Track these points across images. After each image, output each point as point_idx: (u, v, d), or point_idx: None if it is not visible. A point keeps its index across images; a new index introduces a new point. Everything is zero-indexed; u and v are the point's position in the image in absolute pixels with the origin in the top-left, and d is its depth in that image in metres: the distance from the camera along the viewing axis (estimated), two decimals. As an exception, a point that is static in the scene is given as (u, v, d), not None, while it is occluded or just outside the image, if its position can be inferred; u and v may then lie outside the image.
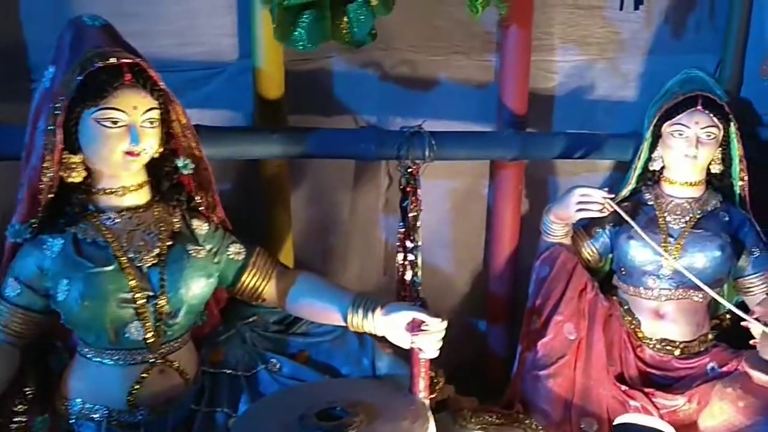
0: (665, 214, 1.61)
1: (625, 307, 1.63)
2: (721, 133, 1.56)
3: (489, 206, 1.81)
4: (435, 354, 1.23)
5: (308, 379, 1.37)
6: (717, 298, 1.30)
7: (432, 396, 1.29)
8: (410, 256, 1.59)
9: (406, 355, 1.24)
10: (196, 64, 1.48)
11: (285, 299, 1.33)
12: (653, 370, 1.56)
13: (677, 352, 1.56)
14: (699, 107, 1.53)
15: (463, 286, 1.89)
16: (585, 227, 1.71)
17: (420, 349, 1.21)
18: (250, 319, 1.40)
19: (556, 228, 1.63)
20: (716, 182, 1.64)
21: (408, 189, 1.56)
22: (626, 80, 1.82)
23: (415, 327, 1.21)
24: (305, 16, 1.31)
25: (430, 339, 1.20)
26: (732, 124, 1.56)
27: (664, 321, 1.57)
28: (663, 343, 1.57)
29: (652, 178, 1.68)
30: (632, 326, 1.60)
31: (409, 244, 1.58)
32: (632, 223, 1.46)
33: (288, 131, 1.43)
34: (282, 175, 1.53)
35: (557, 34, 1.74)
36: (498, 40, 1.68)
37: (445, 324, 1.22)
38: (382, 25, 1.57)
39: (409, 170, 1.55)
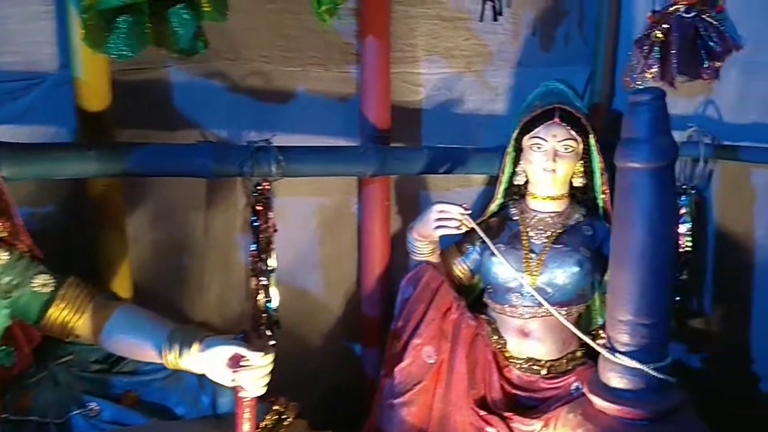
0: (528, 230, 1.57)
1: (493, 326, 1.57)
2: (581, 146, 1.53)
3: (359, 224, 1.73)
4: (259, 392, 1.12)
5: (133, 423, 1.24)
6: (560, 318, 1.24)
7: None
8: (263, 280, 1.49)
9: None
10: (12, 75, 1.33)
11: (100, 335, 1.19)
12: (519, 392, 1.50)
13: (544, 372, 1.51)
14: (556, 120, 1.50)
15: (337, 308, 1.80)
16: (457, 244, 1.66)
17: (241, 387, 1.10)
18: (66, 359, 1.26)
19: (421, 246, 1.56)
20: (580, 196, 1.61)
21: (258, 208, 1.45)
22: (496, 93, 1.78)
23: (235, 363, 1.10)
24: (121, 21, 1.19)
25: (252, 375, 1.09)
26: (591, 136, 1.54)
27: (530, 339, 1.52)
28: (529, 363, 1.52)
29: (518, 193, 1.64)
30: (499, 346, 1.55)
31: (262, 266, 1.48)
32: (486, 239, 1.41)
33: (107, 147, 1.30)
34: (112, 195, 1.39)
35: (421, 46, 1.68)
36: (357, 51, 1.60)
37: (269, 358, 1.11)
38: (228, 33, 1.48)
39: (259, 188, 1.45)
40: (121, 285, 1.45)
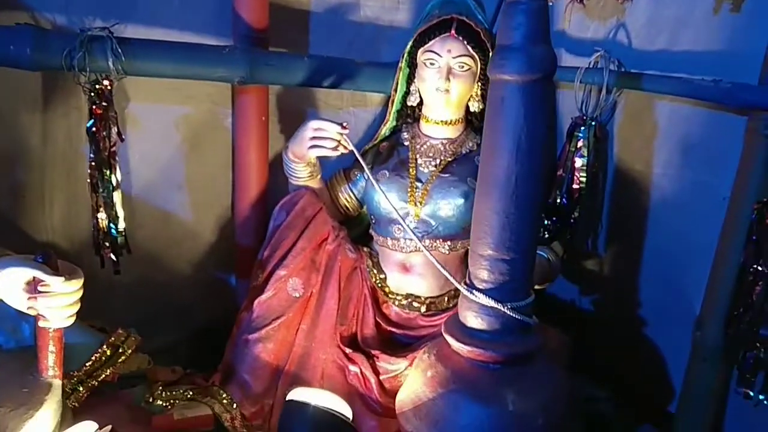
0: (417, 156, 1.42)
1: (375, 260, 1.44)
2: (479, 64, 1.37)
3: (232, 140, 1.53)
4: (63, 322, 0.95)
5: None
6: (430, 257, 1.11)
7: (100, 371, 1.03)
8: (104, 196, 1.28)
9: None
10: None
11: None
12: (395, 330, 1.39)
13: (423, 309, 1.40)
14: (452, 33, 1.33)
15: (209, 235, 1.61)
16: (345, 169, 1.50)
17: (42, 316, 0.93)
18: None
19: (297, 168, 1.39)
20: (476, 122, 1.47)
21: (96, 111, 1.23)
22: (398, 2, 1.58)
23: (33, 288, 0.92)
24: None
25: (51, 303, 0.91)
26: (491, 54, 1.38)
27: (411, 275, 1.40)
28: (409, 299, 1.41)
29: (411, 115, 1.49)
30: (378, 281, 1.43)
31: (102, 181, 1.27)
32: (363, 163, 1.25)
33: None
34: None
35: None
36: (231, -68, 1.35)
37: (74, 285, 0.93)
38: None
39: (97, 86, 1.21)
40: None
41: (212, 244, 1.62)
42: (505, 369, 0.91)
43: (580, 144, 1.40)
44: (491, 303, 0.90)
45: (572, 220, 1.46)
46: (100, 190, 1.26)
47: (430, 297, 1.41)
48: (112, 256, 1.32)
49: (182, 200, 1.56)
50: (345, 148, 1.30)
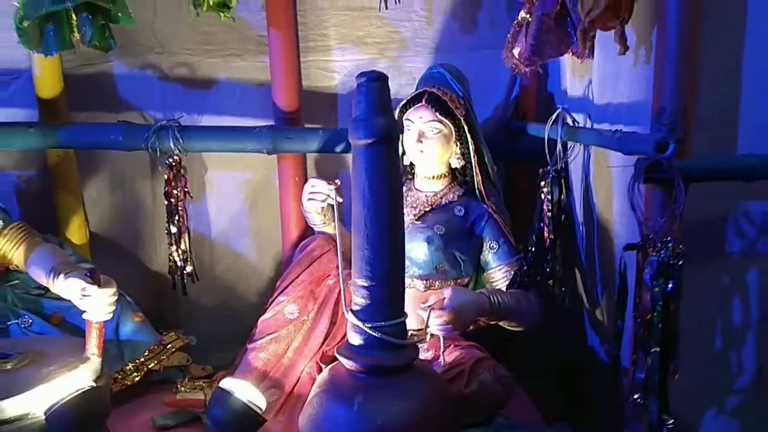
0: (406, 207, 1.66)
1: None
2: (451, 128, 1.58)
3: (279, 198, 1.95)
4: (102, 317, 1.42)
5: (53, 335, 1.63)
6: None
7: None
8: (175, 239, 1.79)
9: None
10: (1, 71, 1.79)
11: (26, 264, 1.58)
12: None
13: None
14: (422, 103, 1.57)
15: (267, 270, 2.04)
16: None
17: (87, 311, 1.41)
18: (13, 282, 1.69)
19: (310, 217, 1.74)
20: (460, 177, 1.66)
21: (168, 177, 1.75)
22: (411, 78, 1.86)
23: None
24: (48, 28, 1.57)
25: (90, 303, 1.39)
26: (463, 120, 1.58)
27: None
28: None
29: (411, 172, 1.74)
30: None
31: (172, 228, 1.78)
32: (336, 213, 1.52)
33: (43, 126, 1.69)
34: (65, 164, 1.80)
35: (333, 36, 1.84)
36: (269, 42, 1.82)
37: (107, 292, 1.40)
38: (156, 31, 1.80)
39: (170, 161, 1.75)
40: (78, 238, 1.86)
41: (269, 278, 2.04)
42: (367, 378, 1.10)
43: (544, 195, 1.49)
44: (355, 321, 1.11)
45: (548, 269, 1.52)
46: (174, 232, 1.76)
47: (412, 330, 1.60)
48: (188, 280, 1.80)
49: (248, 244, 2.02)
50: (333, 200, 1.61)
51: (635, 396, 1.03)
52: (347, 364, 1.14)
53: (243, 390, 1.29)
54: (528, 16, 1.47)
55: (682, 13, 1.03)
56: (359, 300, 1.14)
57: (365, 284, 1.12)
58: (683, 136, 1.05)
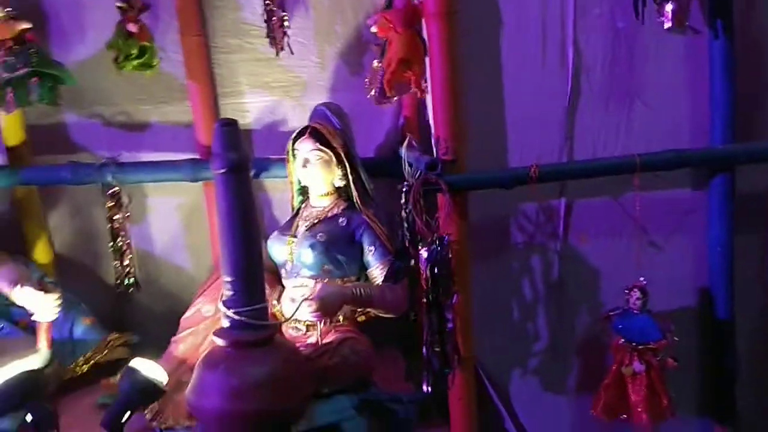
0: (300, 221, 2.02)
1: (280, 294, 2.05)
2: (330, 155, 1.95)
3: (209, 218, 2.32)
4: (48, 318, 1.79)
5: (18, 336, 2.02)
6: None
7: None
8: (118, 254, 2.17)
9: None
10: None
11: None
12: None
13: (304, 330, 1.95)
14: (307, 135, 1.95)
15: (203, 280, 2.36)
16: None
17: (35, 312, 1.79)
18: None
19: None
20: (344, 194, 2.02)
21: (111, 206, 2.15)
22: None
23: (31, 298, 1.80)
24: (7, 90, 1.97)
25: (35, 305, 1.77)
26: (340, 148, 1.95)
27: (295, 304, 1.98)
28: (296, 323, 1.97)
29: (307, 192, 2.10)
30: (277, 309, 2.02)
31: (116, 247, 2.17)
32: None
33: (9, 169, 2.11)
34: (30, 198, 2.22)
35: (244, 82, 2.23)
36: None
37: (49, 297, 1.77)
38: (99, 87, 2.20)
39: (111, 191, 2.14)
40: (43, 258, 2.25)
41: (206, 289, 2.40)
42: (231, 350, 1.46)
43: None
44: (222, 308, 1.48)
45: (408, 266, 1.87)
46: (117, 248, 2.15)
47: (308, 322, 1.95)
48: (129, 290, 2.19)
49: (185, 257, 2.39)
50: None
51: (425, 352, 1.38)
52: (218, 341, 1.50)
53: (146, 366, 1.65)
54: (380, 65, 1.85)
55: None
56: (226, 292, 1.50)
57: (228, 279, 1.48)
58: (455, 157, 1.41)
